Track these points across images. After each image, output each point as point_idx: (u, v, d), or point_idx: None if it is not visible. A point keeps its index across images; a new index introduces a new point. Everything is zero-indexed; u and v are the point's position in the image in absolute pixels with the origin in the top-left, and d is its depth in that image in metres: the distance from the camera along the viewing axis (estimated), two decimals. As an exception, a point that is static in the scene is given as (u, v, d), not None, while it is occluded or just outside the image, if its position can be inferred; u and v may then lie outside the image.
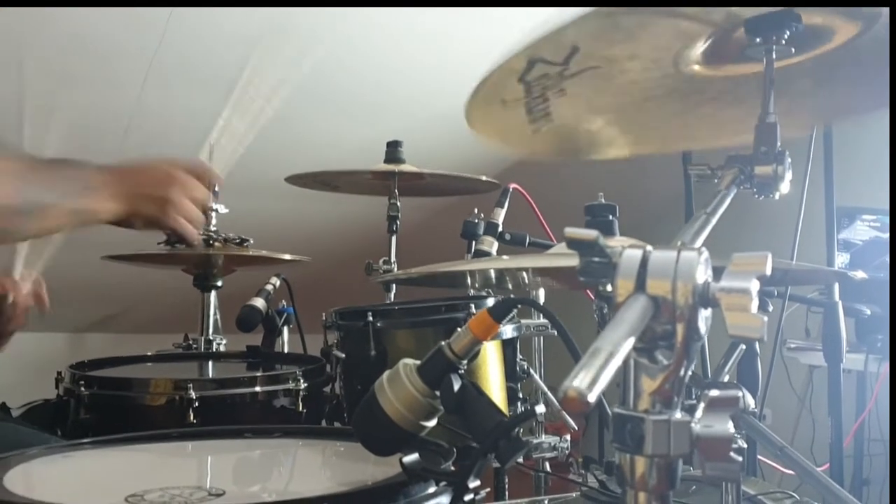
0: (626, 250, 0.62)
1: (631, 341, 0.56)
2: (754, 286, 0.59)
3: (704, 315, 0.62)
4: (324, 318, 1.88)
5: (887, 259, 3.03)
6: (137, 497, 0.99)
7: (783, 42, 0.97)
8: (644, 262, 0.62)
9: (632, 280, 0.62)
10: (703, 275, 0.61)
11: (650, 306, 0.60)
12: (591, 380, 0.50)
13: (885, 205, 3.10)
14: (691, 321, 0.61)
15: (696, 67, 1.02)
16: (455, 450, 1.13)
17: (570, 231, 0.63)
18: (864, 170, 3.30)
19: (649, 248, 0.63)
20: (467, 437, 1.05)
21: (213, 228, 2.41)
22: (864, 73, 1.06)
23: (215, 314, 2.51)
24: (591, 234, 0.62)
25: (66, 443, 1.31)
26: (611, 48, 0.95)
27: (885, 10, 0.89)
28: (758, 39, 0.98)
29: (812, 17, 0.95)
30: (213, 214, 2.44)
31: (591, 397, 0.49)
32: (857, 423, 2.68)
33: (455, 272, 1.42)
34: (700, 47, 0.99)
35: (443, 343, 1.04)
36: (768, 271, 0.60)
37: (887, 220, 3.12)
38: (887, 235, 3.11)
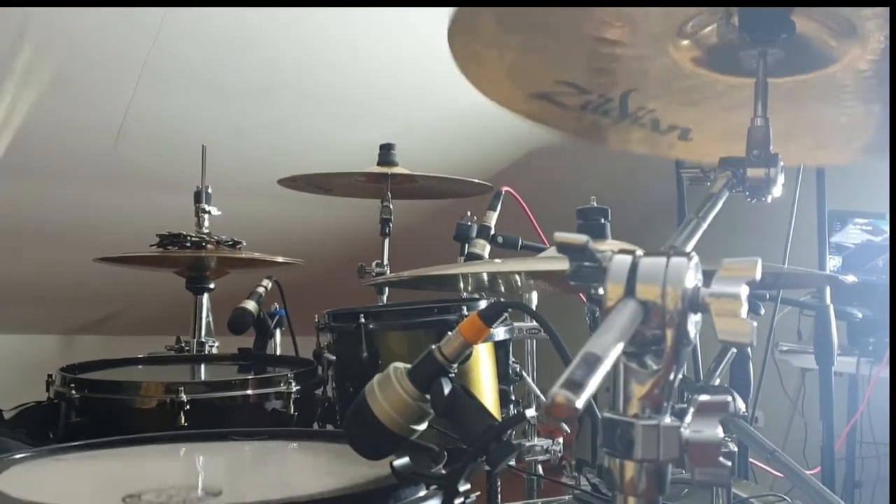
0: (616, 255, 0.62)
1: (620, 346, 0.56)
2: (744, 291, 0.59)
3: (694, 320, 0.62)
4: (316, 320, 1.88)
5: (879, 262, 3.04)
6: (134, 497, 0.99)
7: (776, 45, 0.97)
8: (634, 266, 0.62)
9: (621, 285, 0.61)
10: (692, 280, 0.61)
11: (640, 311, 0.60)
12: (578, 386, 0.50)
13: (878, 208, 3.11)
14: (681, 326, 0.60)
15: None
16: (446, 453, 1.13)
17: (560, 235, 0.63)
18: (857, 173, 3.31)
19: (639, 252, 0.63)
20: (458, 441, 1.05)
21: (205, 230, 2.41)
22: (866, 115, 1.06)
23: (208, 316, 2.50)
24: (580, 238, 0.62)
25: (56, 446, 1.30)
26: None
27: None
28: (749, 39, 0.97)
29: (805, 24, 0.95)
30: (206, 216, 2.44)
31: (579, 403, 0.49)
32: (849, 426, 2.69)
33: (447, 275, 1.42)
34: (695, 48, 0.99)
35: (433, 347, 1.04)
36: (758, 277, 0.60)
37: (879, 223, 3.13)
38: (879, 239, 3.12)
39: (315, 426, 1.91)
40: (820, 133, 1.15)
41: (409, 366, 1.06)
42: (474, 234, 1.92)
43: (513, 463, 1.34)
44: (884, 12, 0.86)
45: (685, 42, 0.97)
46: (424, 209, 3.43)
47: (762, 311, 1.42)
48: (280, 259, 2.39)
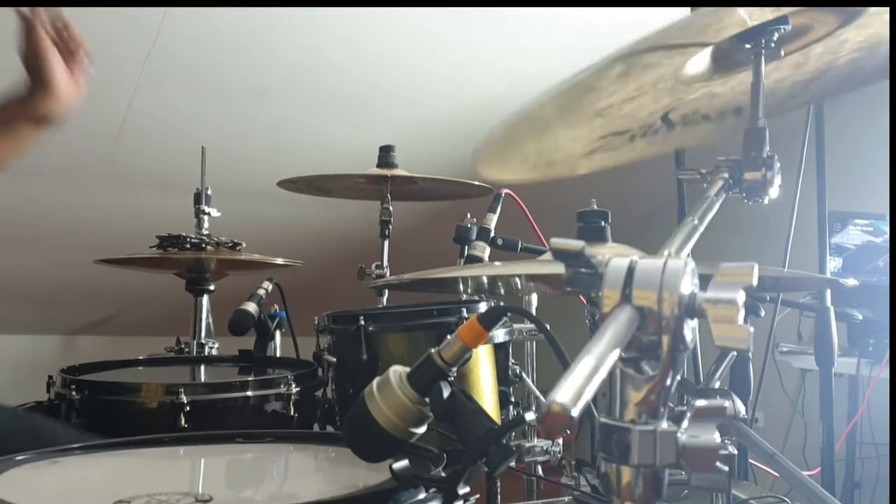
0: (612, 260, 0.62)
1: (616, 353, 0.56)
2: (741, 297, 0.59)
3: (691, 326, 0.62)
4: (316, 322, 1.88)
5: (880, 263, 3.04)
6: (124, 503, 0.99)
7: (772, 45, 0.98)
8: (630, 272, 0.62)
9: (618, 290, 0.61)
10: (689, 285, 0.61)
11: (636, 317, 0.60)
12: (574, 394, 0.50)
13: (878, 209, 3.11)
14: (677, 332, 0.60)
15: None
16: (445, 455, 1.13)
17: (556, 242, 0.63)
18: (857, 174, 3.31)
19: (636, 257, 0.63)
20: (458, 443, 1.05)
21: (205, 232, 2.41)
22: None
23: (207, 318, 2.50)
24: (576, 244, 0.62)
25: (55, 448, 1.30)
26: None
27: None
28: (747, 45, 0.98)
29: (797, 17, 0.95)
30: (206, 218, 2.44)
31: (575, 412, 0.49)
32: (849, 426, 2.69)
33: (447, 278, 1.42)
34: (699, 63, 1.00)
35: (432, 350, 1.04)
36: (755, 282, 0.60)
37: (880, 224, 3.13)
38: (879, 240, 3.12)
39: (315, 428, 1.91)
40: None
41: (408, 369, 1.06)
42: (474, 236, 1.92)
43: (512, 464, 1.34)
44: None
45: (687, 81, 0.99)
46: (424, 211, 3.43)
47: (762, 313, 1.42)
48: (280, 261, 2.39)
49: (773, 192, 0.96)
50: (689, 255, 0.67)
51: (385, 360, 1.68)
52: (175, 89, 3.01)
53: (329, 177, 2.31)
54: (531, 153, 1.03)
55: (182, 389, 1.73)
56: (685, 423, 0.62)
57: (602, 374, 0.53)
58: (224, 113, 3.16)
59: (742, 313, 0.59)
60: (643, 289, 0.61)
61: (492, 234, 1.91)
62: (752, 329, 0.59)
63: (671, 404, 0.63)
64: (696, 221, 0.81)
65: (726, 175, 0.93)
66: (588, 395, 0.50)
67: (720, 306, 0.59)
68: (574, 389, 0.50)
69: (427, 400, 1.03)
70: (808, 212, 2.08)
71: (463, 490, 1.01)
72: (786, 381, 3.27)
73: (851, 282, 1.54)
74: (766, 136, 0.96)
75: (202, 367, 2.32)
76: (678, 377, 0.63)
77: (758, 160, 0.95)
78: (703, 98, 1.08)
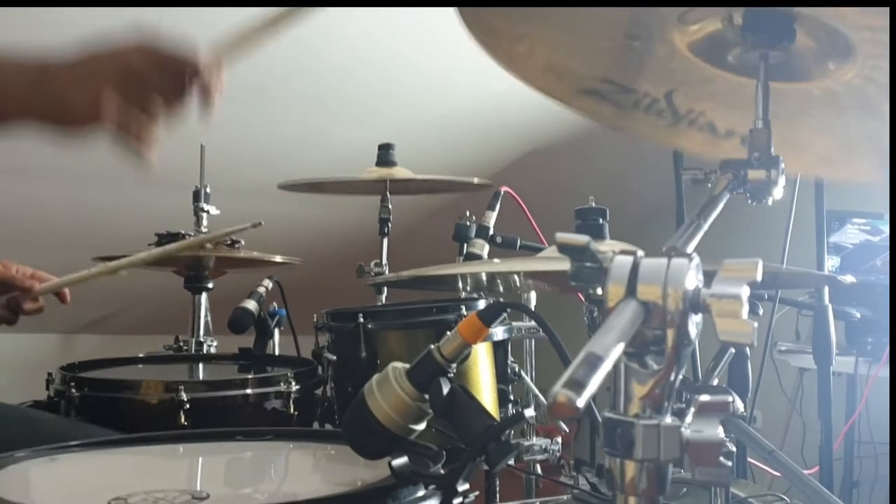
0: (618, 256, 0.63)
1: (621, 346, 0.56)
2: (745, 292, 0.59)
3: (695, 321, 0.62)
4: (315, 319, 1.88)
5: (877, 262, 3.04)
6: (121, 500, 0.99)
7: (777, 49, 0.98)
8: (635, 267, 0.62)
9: (622, 285, 0.61)
10: (693, 280, 0.61)
11: (641, 312, 0.60)
12: (580, 385, 0.50)
13: (876, 208, 3.12)
14: (682, 327, 0.61)
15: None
16: (444, 453, 1.13)
17: (562, 236, 0.63)
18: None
19: (640, 253, 0.63)
20: (457, 440, 1.05)
21: (204, 230, 2.41)
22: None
23: (206, 316, 2.50)
24: (582, 239, 0.62)
25: (54, 445, 1.30)
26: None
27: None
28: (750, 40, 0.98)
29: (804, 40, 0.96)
30: (205, 216, 2.44)
31: (580, 403, 0.49)
32: (847, 425, 2.70)
33: (446, 275, 1.42)
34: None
35: (432, 347, 1.04)
36: (759, 277, 0.60)
37: (877, 223, 3.14)
38: (877, 239, 3.12)
39: (315, 425, 1.91)
40: (823, 147, 1.16)
41: (407, 366, 1.06)
42: (473, 233, 1.92)
43: (511, 462, 1.34)
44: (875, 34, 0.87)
45: (692, 28, 0.98)
46: (423, 209, 3.43)
47: (761, 311, 1.42)
48: (278, 258, 2.39)
49: (777, 192, 0.96)
50: (693, 250, 0.67)
51: (384, 357, 1.68)
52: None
53: (329, 182, 2.31)
54: (535, 47, 1.01)
55: (182, 387, 1.73)
56: (688, 418, 0.62)
57: (607, 367, 0.53)
58: (223, 111, 3.15)
59: (746, 308, 0.59)
60: (648, 283, 0.61)
61: (491, 232, 1.91)
62: (755, 324, 0.59)
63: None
64: (699, 220, 0.81)
65: (731, 175, 0.93)
66: (593, 387, 0.50)
67: (724, 301, 0.60)
68: (580, 380, 0.50)
69: (426, 396, 1.04)
70: (806, 211, 2.08)
71: (462, 487, 1.01)
72: (784, 380, 3.27)
73: (849, 279, 1.54)
74: (771, 137, 0.97)
75: (201, 365, 2.32)
76: (682, 373, 0.63)
77: (762, 161, 0.95)
78: (711, 101, 1.09)
